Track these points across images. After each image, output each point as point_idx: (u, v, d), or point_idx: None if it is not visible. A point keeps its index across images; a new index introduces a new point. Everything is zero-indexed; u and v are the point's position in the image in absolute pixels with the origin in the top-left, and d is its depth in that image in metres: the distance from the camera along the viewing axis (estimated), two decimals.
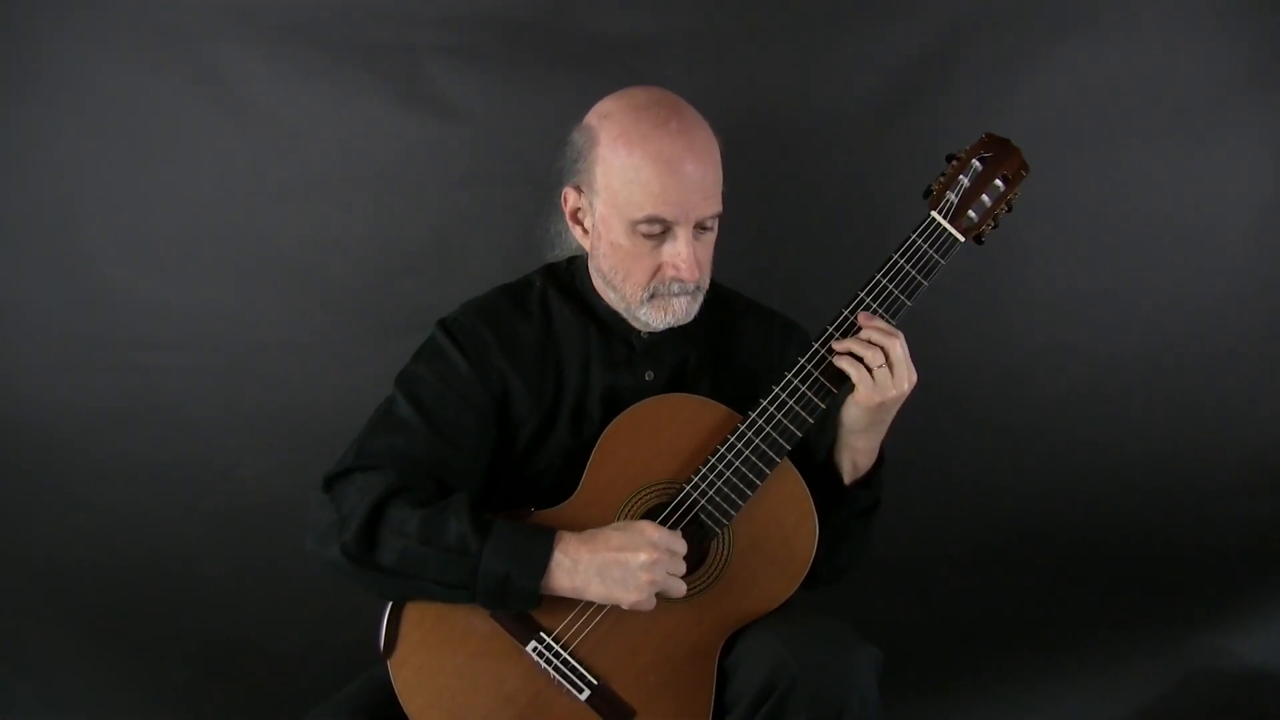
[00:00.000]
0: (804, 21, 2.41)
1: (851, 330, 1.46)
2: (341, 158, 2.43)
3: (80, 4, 2.36)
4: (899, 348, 1.43)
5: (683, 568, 1.40)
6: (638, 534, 1.39)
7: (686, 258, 1.46)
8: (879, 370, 1.42)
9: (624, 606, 1.39)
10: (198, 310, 2.47)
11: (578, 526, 1.43)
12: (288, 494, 2.04)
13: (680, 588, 1.40)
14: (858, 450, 1.51)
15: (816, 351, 1.47)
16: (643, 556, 1.37)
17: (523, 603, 1.39)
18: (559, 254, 1.65)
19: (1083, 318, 2.54)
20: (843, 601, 1.71)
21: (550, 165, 1.57)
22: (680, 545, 1.41)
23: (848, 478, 1.53)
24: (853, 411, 1.48)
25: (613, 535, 1.39)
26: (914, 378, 1.45)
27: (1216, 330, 2.54)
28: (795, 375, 1.46)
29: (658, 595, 1.40)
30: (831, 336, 1.47)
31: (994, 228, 1.53)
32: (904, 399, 1.45)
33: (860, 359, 1.43)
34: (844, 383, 1.46)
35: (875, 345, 1.43)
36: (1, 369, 2.49)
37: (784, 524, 1.47)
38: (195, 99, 2.40)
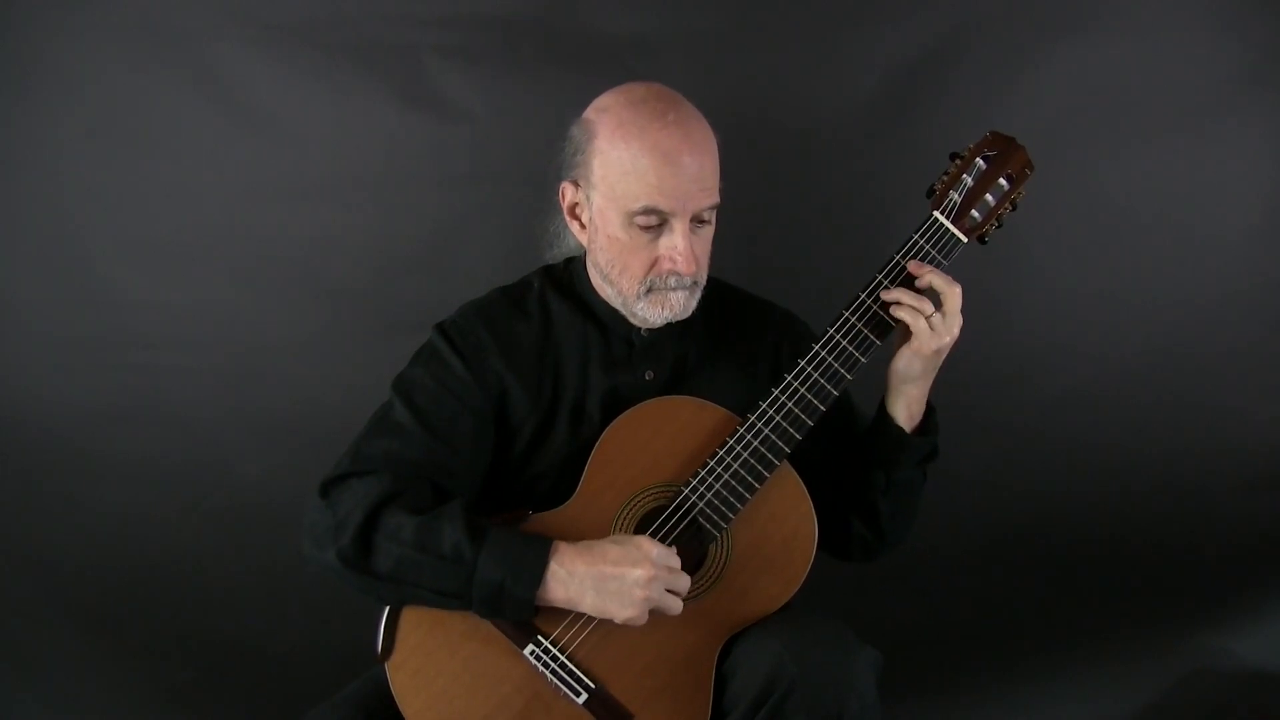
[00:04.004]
0: (804, 21, 2.40)
1: (851, 329, 1.46)
2: (341, 158, 2.43)
3: (80, 4, 2.36)
4: (956, 297, 1.45)
5: (683, 585, 1.40)
6: (635, 549, 1.38)
7: (683, 250, 1.46)
8: (933, 317, 1.44)
9: (617, 620, 1.39)
10: (198, 310, 2.47)
11: (576, 528, 1.44)
12: (288, 494, 2.03)
13: (676, 606, 1.40)
14: (912, 399, 1.53)
15: (817, 354, 1.46)
16: (639, 572, 1.37)
17: (517, 612, 1.39)
18: (557, 254, 1.65)
19: (1083, 317, 2.53)
20: (842, 603, 1.72)
21: (549, 163, 1.57)
22: (676, 562, 1.40)
23: (906, 427, 1.54)
24: (907, 360, 1.48)
25: (610, 549, 1.39)
26: (960, 323, 1.46)
27: (1216, 330, 2.54)
28: (795, 378, 1.46)
29: (651, 611, 1.39)
30: (831, 339, 1.46)
31: (998, 227, 1.52)
32: (953, 344, 1.47)
33: (914, 307, 1.45)
34: (842, 385, 1.46)
35: (924, 295, 1.44)
36: (1, 369, 2.49)
37: (783, 527, 1.47)
38: (195, 99, 2.39)
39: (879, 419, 1.56)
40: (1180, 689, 2.20)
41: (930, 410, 1.56)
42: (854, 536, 1.61)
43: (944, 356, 1.49)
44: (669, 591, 1.40)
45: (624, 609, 1.37)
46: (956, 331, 1.46)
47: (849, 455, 1.58)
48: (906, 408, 1.53)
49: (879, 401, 1.56)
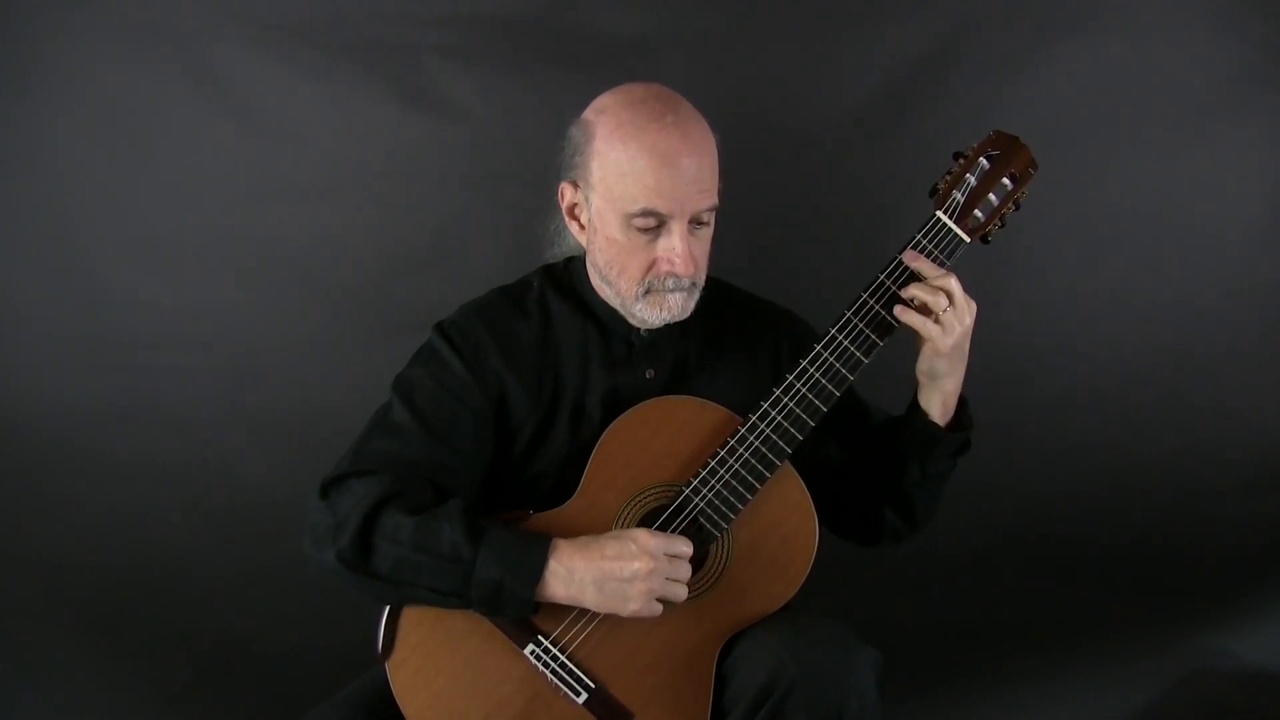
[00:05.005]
0: (804, 21, 2.41)
1: (853, 328, 1.46)
2: (341, 158, 2.43)
3: (80, 4, 2.36)
4: (955, 288, 1.43)
5: (686, 572, 1.40)
6: (631, 543, 1.38)
7: (681, 252, 1.45)
8: (945, 314, 1.43)
9: (624, 615, 1.39)
10: (198, 310, 2.48)
11: (576, 529, 1.43)
12: (288, 494, 2.03)
13: (681, 593, 1.39)
14: (947, 393, 1.51)
15: (819, 353, 1.46)
16: (637, 565, 1.36)
17: (517, 610, 1.39)
18: (557, 252, 1.65)
19: (1083, 318, 2.54)
20: (842, 603, 1.72)
21: (549, 162, 1.57)
22: (683, 547, 1.40)
23: (942, 421, 1.53)
24: (929, 360, 1.47)
25: (608, 544, 1.38)
26: (973, 307, 1.45)
27: (1216, 330, 2.54)
28: (797, 377, 1.46)
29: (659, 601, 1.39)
30: (834, 339, 1.46)
31: (1001, 227, 1.52)
32: (971, 329, 1.46)
33: (927, 305, 1.43)
34: (844, 385, 1.46)
35: (939, 290, 1.43)
36: (1, 369, 2.49)
37: (784, 527, 1.47)
38: (195, 99, 2.40)
39: (911, 414, 1.54)
40: (1180, 689, 2.20)
41: (963, 402, 1.55)
42: (887, 526, 1.61)
43: (966, 345, 1.48)
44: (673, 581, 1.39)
45: (627, 604, 1.37)
46: (969, 320, 1.45)
47: (883, 449, 1.57)
48: (942, 403, 1.52)
49: (912, 395, 1.55)
